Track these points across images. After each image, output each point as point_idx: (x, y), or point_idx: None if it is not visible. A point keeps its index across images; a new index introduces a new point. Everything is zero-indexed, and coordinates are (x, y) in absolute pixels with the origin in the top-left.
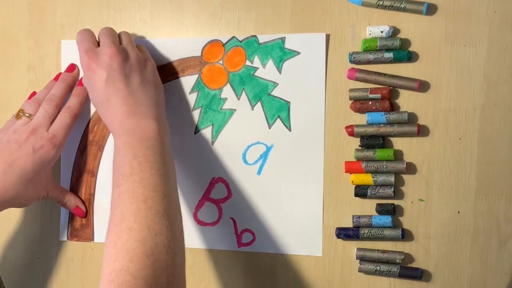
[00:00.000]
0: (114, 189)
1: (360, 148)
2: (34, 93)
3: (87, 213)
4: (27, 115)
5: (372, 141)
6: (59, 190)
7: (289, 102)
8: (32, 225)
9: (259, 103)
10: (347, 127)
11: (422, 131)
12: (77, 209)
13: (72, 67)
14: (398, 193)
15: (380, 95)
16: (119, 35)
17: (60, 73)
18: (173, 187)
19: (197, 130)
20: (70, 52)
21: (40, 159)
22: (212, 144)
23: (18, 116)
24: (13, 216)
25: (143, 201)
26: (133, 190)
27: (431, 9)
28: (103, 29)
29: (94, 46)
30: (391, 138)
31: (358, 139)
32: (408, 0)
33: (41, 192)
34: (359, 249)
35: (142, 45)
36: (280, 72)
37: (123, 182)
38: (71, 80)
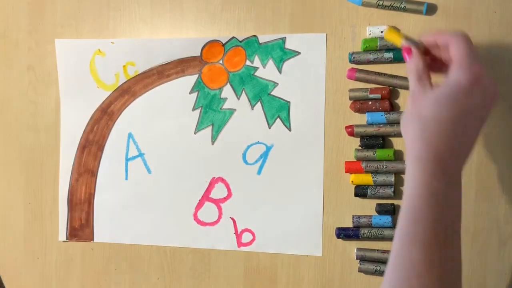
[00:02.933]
0: (416, 244)
1: (360, 148)
2: None
3: None
4: None
5: (372, 141)
6: None
7: (289, 102)
8: (32, 225)
9: (259, 103)
10: (347, 127)
11: None
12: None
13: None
14: (398, 193)
15: (380, 95)
16: None
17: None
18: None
19: (197, 130)
20: (65, 51)
21: None
22: (212, 144)
23: None
24: (13, 216)
25: None
26: (445, 268)
27: (431, 9)
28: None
29: None
30: (391, 138)
31: (358, 139)
32: (408, 0)
33: None
34: (359, 249)
35: None
36: (280, 72)
37: (434, 247)
38: None
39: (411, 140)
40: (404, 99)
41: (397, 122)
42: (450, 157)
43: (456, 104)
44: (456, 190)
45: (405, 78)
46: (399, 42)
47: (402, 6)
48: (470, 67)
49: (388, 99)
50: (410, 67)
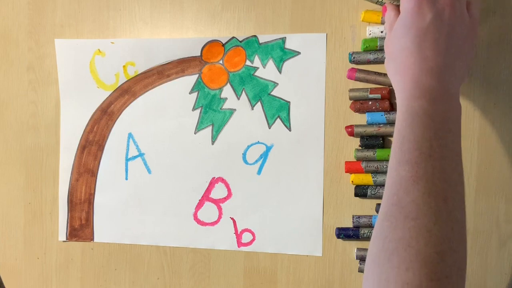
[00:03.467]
0: (402, 163)
1: (360, 148)
2: None
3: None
4: None
5: (372, 141)
6: None
7: (289, 102)
8: (31, 225)
9: (259, 103)
10: (347, 127)
11: None
12: None
13: None
14: None
15: (380, 95)
16: None
17: None
18: (464, 195)
19: (197, 130)
20: (65, 51)
21: None
22: (212, 144)
23: None
24: (13, 216)
25: (443, 200)
26: (431, 180)
27: None
28: None
29: None
30: (391, 138)
31: (358, 139)
32: None
33: None
34: (359, 249)
35: None
36: (280, 72)
37: (419, 161)
38: None
39: (392, 79)
40: None
41: None
42: (426, 76)
43: (410, 28)
44: (443, 106)
45: None
46: (379, 14)
47: None
48: None
49: (388, 99)
50: (385, 21)
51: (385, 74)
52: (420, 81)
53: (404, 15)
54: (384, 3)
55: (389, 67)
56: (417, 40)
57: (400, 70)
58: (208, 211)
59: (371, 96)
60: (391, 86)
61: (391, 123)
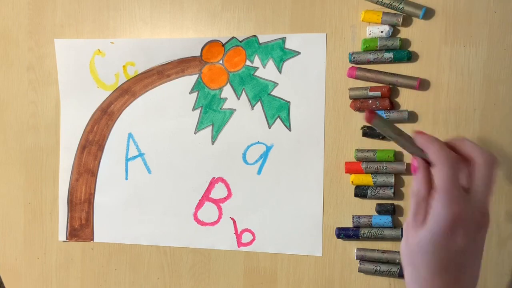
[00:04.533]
0: None
1: (360, 148)
2: None
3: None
4: None
5: (372, 131)
6: None
7: (289, 102)
8: (32, 225)
9: (259, 103)
10: (367, 110)
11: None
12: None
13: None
14: (398, 194)
15: (380, 92)
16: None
17: None
18: None
19: (197, 130)
20: (64, 51)
21: None
22: (212, 144)
23: None
24: (13, 216)
25: None
26: None
27: (430, 11)
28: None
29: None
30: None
31: (358, 139)
32: (407, 1)
33: None
34: (359, 249)
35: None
36: (280, 72)
37: None
38: None
39: (408, 281)
40: (404, 98)
41: (397, 122)
42: None
43: (439, 250)
44: None
45: (406, 77)
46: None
47: (401, 7)
48: (449, 206)
49: (388, 97)
50: (413, 190)
51: (385, 72)
52: None
53: (435, 229)
54: (385, 3)
55: (406, 267)
56: (448, 263)
57: (421, 285)
58: (208, 211)
59: (371, 94)
60: (391, 84)
61: (391, 122)
